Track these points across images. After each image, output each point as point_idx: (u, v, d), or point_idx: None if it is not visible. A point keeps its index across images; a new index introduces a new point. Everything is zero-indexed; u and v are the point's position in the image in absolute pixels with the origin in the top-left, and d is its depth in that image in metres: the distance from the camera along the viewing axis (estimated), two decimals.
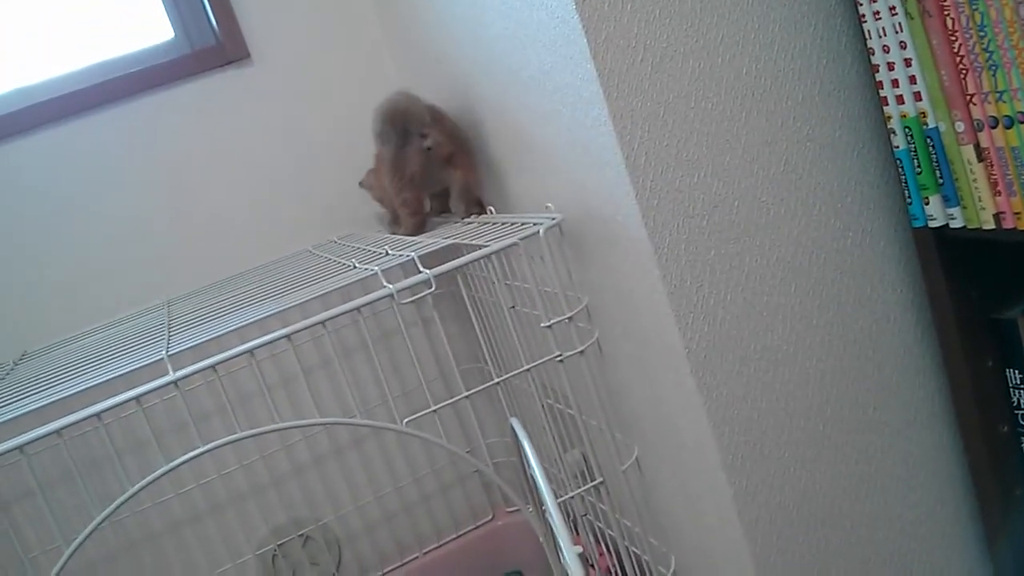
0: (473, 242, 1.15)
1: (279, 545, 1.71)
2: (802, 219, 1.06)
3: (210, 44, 1.67)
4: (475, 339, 1.73)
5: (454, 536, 1.82)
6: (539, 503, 0.97)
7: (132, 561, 1.65)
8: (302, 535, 1.73)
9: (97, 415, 0.89)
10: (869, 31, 0.99)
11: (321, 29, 1.69)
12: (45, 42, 1.64)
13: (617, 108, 0.98)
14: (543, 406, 1.34)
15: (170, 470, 0.93)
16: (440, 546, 1.81)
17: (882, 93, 1.01)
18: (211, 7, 1.63)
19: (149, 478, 0.92)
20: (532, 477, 0.80)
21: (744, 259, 1.04)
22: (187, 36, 1.69)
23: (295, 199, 1.71)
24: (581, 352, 1.08)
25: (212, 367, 0.91)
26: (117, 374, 0.95)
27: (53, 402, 0.94)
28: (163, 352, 0.96)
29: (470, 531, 1.82)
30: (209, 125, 1.65)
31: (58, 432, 0.89)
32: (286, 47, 1.68)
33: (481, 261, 1.09)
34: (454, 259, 1.08)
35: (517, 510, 1.82)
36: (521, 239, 1.08)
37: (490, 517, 1.84)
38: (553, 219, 1.12)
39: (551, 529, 0.83)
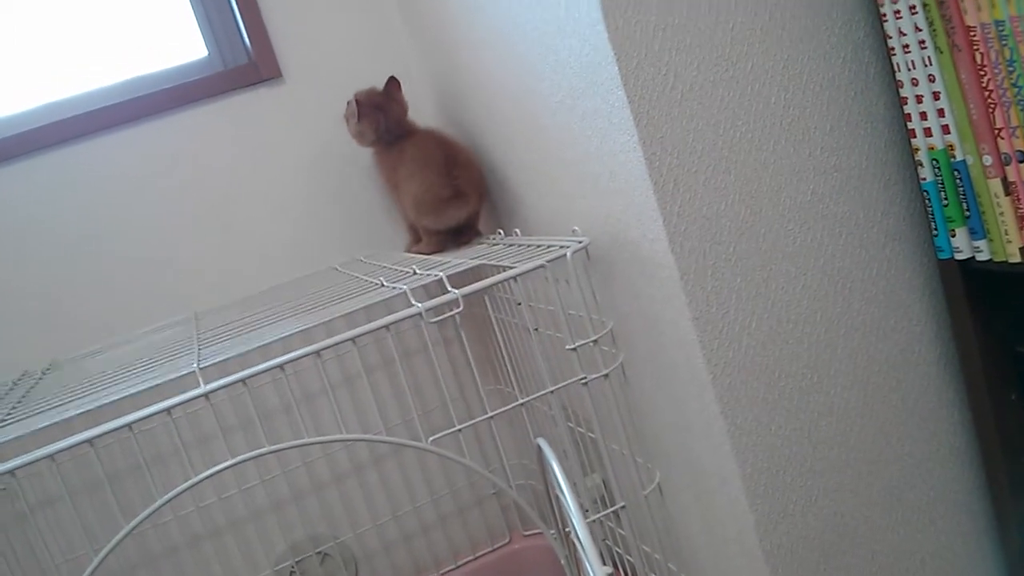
0: (500, 263, 1.16)
1: (297, 561, 1.72)
2: (828, 248, 1.07)
3: (243, 63, 1.70)
4: (493, 360, 1.74)
5: (471, 558, 1.82)
6: (561, 525, 0.97)
7: (151, 574, 1.66)
8: (320, 552, 1.73)
9: (128, 426, 0.91)
10: (898, 64, 1.00)
11: (352, 49, 1.72)
12: (81, 57, 1.67)
13: (647, 134, 0.99)
14: (565, 430, 1.35)
15: (195, 484, 0.94)
16: (457, 567, 1.80)
17: (910, 125, 1.01)
18: (245, 26, 1.66)
19: (175, 491, 0.93)
20: (559, 497, 0.80)
21: (770, 286, 1.05)
22: (220, 54, 1.71)
23: (322, 217, 1.73)
24: (605, 375, 1.09)
25: (243, 381, 0.93)
26: (150, 385, 0.96)
27: (85, 412, 0.95)
28: (194, 365, 0.98)
29: (487, 553, 1.82)
30: (240, 142, 1.68)
31: (90, 442, 0.90)
32: (318, 67, 1.70)
33: (506, 282, 1.10)
34: (478, 280, 1.09)
35: (535, 533, 1.82)
36: (548, 261, 1.09)
37: (507, 540, 1.84)
38: (580, 242, 1.12)
39: (575, 551, 0.83)
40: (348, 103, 1.56)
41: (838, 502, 1.10)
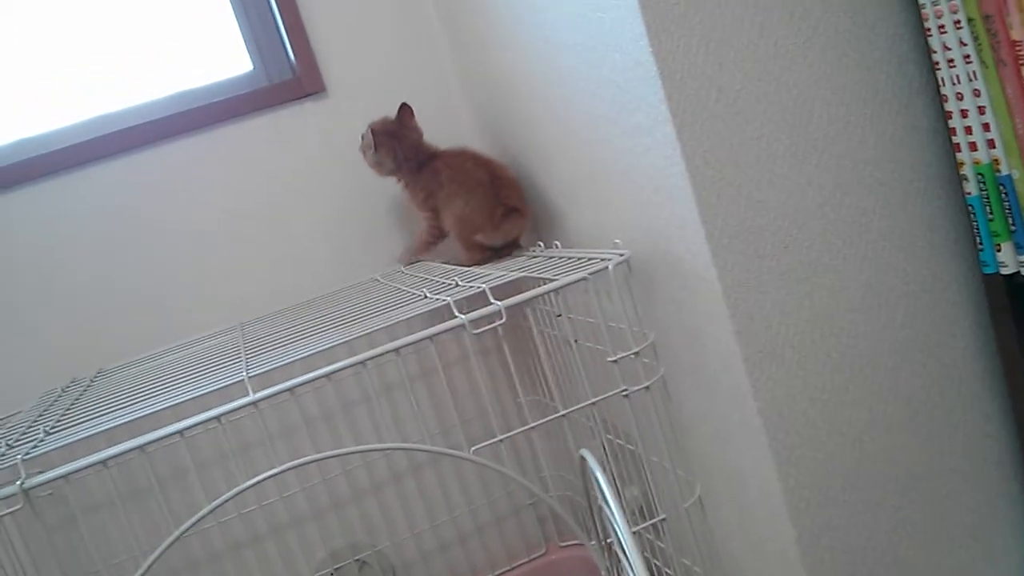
0: (541, 276, 1.17)
1: (336, 569, 1.73)
2: (872, 262, 1.07)
3: (287, 77, 1.73)
4: (530, 371, 1.74)
5: (507, 569, 1.82)
6: (603, 537, 0.98)
7: None
8: (358, 560, 1.75)
9: (179, 432, 0.92)
10: (943, 78, 1.00)
11: (395, 65, 1.74)
12: (128, 71, 1.71)
13: (690, 149, 0.99)
14: (603, 442, 1.35)
15: (243, 491, 0.96)
16: None
17: (955, 140, 1.01)
18: (290, 41, 1.69)
19: (223, 497, 0.95)
20: (602, 508, 0.81)
21: (813, 300, 1.05)
22: (265, 69, 1.74)
23: (364, 229, 1.75)
24: (647, 388, 1.09)
25: (290, 389, 0.94)
26: (201, 393, 0.98)
27: (137, 418, 0.97)
28: (243, 374, 0.99)
29: (523, 564, 1.83)
30: (284, 155, 1.70)
31: (141, 448, 0.92)
32: (361, 81, 1.72)
33: (547, 294, 1.11)
34: (518, 292, 1.10)
35: (571, 544, 1.82)
36: (590, 274, 1.10)
37: (543, 551, 1.84)
38: (621, 255, 1.13)
39: (617, 563, 0.83)
40: (363, 136, 1.59)
41: (881, 518, 1.10)
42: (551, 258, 1.33)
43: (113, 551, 1.64)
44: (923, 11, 1.00)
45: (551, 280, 1.11)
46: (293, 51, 1.69)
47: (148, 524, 1.65)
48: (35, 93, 1.67)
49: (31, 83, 1.67)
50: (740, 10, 1.00)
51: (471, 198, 1.47)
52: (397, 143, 1.57)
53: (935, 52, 1.00)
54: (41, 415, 1.28)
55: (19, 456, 0.98)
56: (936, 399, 1.11)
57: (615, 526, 0.73)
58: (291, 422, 1.70)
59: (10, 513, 0.95)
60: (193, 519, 0.91)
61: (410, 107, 1.59)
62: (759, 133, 1.02)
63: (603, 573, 1.03)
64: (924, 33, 1.00)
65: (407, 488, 1.79)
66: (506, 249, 1.53)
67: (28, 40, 1.66)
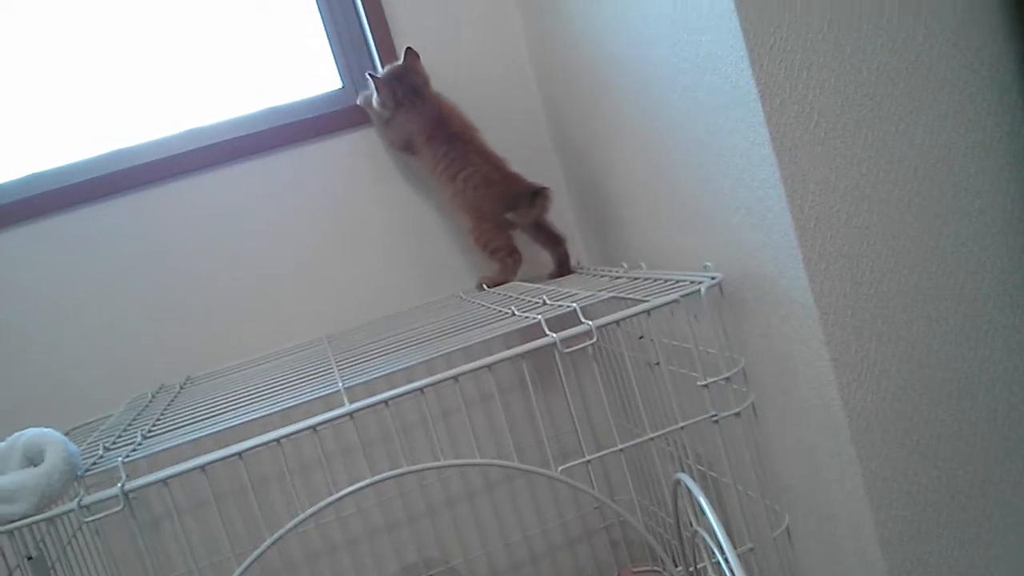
0: (630, 296, 1.17)
1: None
2: (971, 292, 1.04)
3: None
4: (605, 393, 1.74)
5: None
6: (695, 562, 0.97)
7: None
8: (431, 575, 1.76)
9: (277, 440, 0.94)
10: None
11: (481, 88, 1.76)
12: (219, 86, 1.76)
13: (789, 172, 0.99)
14: (683, 466, 1.34)
15: (339, 499, 0.97)
16: None
17: None
18: (380, 60, 1.71)
19: (321, 504, 0.96)
20: (701, 532, 0.80)
21: (911, 329, 1.03)
22: (355, 87, 1.78)
23: (447, 245, 1.76)
24: (737, 414, 1.08)
25: (385, 402, 0.95)
26: (299, 402, 1.00)
27: (236, 425, 0.99)
28: (338, 384, 1.01)
29: None
30: (371, 171, 1.73)
31: (239, 455, 0.94)
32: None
33: (632, 317, 1.10)
34: (593, 313, 1.10)
35: (645, 571, 1.80)
36: (681, 296, 1.09)
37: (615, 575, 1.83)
38: (713, 278, 1.12)
39: None
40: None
41: (975, 556, 1.07)
42: (635, 279, 1.33)
43: (195, 554, 1.67)
44: None
45: (640, 301, 1.11)
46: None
47: (219, 532, 1.68)
48: (139, 105, 1.72)
49: (131, 95, 1.72)
50: (842, 35, 0.99)
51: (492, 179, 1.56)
52: (397, 83, 1.61)
53: None
54: (135, 420, 1.31)
55: (119, 459, 1.01)
56: None
57: (722, 550, 0.72)
58: (370, 435, 1.72)
59: (111, 514, 0.97)
60: (289, 526, 0.92)
61: (415, 52, 1.64)
62: (859, 158, 1.01)
63: None
64: None
65: (481, 505, 1.79)
66: (563, 268, 1.56)
67: (129, 54, 1.72)
